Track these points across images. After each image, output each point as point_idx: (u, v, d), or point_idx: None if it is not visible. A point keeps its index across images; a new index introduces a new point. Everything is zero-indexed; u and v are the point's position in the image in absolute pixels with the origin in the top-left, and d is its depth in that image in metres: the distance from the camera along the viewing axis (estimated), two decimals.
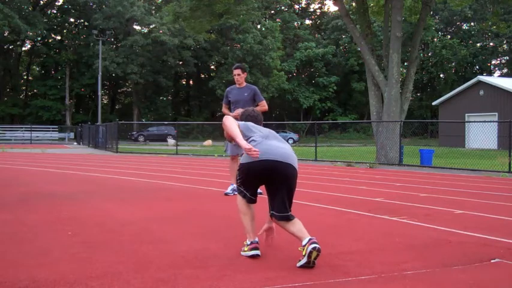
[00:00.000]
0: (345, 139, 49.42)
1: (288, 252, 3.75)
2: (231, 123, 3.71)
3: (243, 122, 3.83)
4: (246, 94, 7.04)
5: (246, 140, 3.62)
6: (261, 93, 7.57)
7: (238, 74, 7.09)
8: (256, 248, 3.60)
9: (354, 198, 6.94)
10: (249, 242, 3.63)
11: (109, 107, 56.84)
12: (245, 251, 3.64)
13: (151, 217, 5.37)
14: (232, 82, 7.38)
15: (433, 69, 55.40)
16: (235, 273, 3.19)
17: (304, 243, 3.32)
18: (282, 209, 3.52)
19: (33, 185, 8.42)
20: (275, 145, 3.61)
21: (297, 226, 3.48)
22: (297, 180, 3.65)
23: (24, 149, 26.27)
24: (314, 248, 3.23)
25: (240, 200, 3.70)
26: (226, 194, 7.21)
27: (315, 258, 3.27)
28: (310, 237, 3.34)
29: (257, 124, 3.92)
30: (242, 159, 3.61)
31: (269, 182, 3.57)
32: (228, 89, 7.38)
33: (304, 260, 3.28)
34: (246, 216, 3.66)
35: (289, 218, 3.51)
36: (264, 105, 7.02)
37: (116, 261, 3.45)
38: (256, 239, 3.64)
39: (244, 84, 7.18)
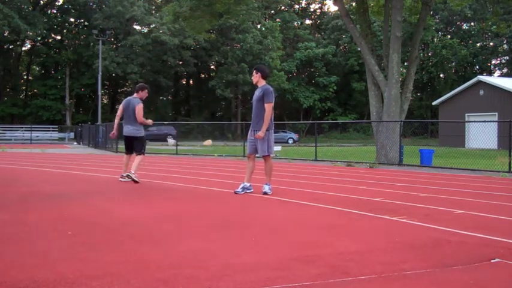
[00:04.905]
0: (345, 139, 49.42)
1: (288, 252, 3.75)
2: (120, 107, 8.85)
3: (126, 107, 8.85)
4: (257, 93, 7.22)
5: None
6: None
7: (253, 75, 7.44)
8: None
9: (354, 198, 6.94)
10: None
11: (109, 107, 56.80)
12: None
13: (151, 217, 5.38)
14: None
15: (433, 69, 55.36)
16: (235, 273, 3.18)
17: (131, 174, 8.40)
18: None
19: (33, 185, 8.42)
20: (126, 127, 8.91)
21: (135, 161, 8.26)
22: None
23: (24, 148, 26.27)
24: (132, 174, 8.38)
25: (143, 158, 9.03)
26: (236, 193, 7.21)
27: (130, 179, 8.30)
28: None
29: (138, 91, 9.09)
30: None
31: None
32: None
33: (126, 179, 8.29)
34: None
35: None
36: (266, 107, 7.07)
37: (116, 261, 3.44)
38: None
39: (262, 83, 7.32)
